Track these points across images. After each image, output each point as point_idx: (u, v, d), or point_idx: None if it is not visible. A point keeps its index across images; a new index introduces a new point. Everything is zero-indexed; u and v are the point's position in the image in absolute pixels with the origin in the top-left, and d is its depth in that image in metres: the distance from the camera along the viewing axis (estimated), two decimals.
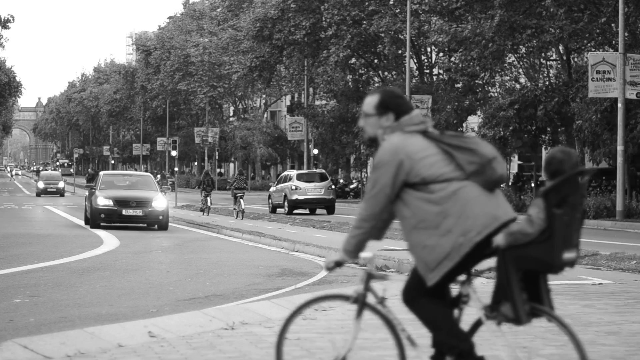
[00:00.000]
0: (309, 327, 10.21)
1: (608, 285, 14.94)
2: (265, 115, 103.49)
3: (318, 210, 48.54)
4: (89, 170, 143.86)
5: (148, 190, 34.49)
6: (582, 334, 10.02)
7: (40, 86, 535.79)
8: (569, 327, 6.03)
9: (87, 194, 36.20)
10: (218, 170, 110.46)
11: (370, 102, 6.21)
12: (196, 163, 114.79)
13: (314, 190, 47.32)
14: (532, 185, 54.70)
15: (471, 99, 53.81)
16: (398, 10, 58.03)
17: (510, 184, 60.00)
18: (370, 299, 6.27)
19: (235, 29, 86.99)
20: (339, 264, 6.27)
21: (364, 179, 68.78)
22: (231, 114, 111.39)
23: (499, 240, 5.98)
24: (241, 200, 42.48)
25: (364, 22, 59.26)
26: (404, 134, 6.12)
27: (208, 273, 17.25)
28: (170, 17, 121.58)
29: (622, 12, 38.46)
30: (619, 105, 38.92)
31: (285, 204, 47.46)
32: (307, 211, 47.74)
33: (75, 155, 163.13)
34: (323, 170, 54.67)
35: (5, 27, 72.83)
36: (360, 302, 6.31)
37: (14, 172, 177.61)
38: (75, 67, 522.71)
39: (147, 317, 10.78)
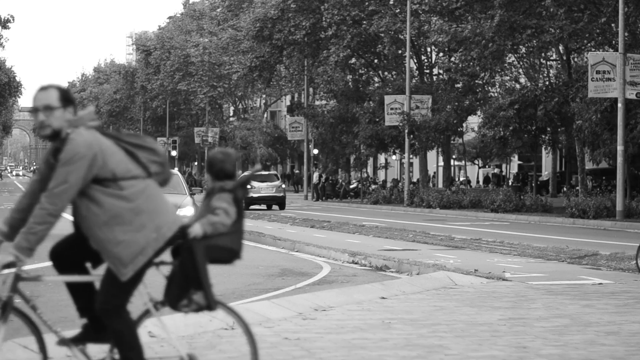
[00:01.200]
0: (309, 327, 10.21)
1: (608, 285, 14.93)
2: (265, 115, 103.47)
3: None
4: None
5: (174, 193, 24.63)
6: (582, 334, 10.03)
7: None
8: (239, 314, 6.52)
9: None
10: None
11: (51, 95, 6.09)
12: (196, 163, 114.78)
13: (267, 189, 52.23)
14: (533, 185, 54.63)
15: (471, 99, 53.77)
16: (398, 10, 58.01)
17: (510, 184, 59.98)
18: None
19: (235, 29, 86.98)
20: (11, 265, 6.05)
21: (365, 179, 68.77)
22: (231, 114, 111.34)
23: (197, 230, 6.17)
24: None
25: (364, 22, 59.22)
26: (88, 129, 6.09)
27: None
28: (170, 17, 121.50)
29: (622, 12, 38.43)
30: (619, 105, 38.88)
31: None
32: (264, 207, 51.82)
33: None
34: (275, 172, 63.35)
35: (5, 27, 72.76)
36: (9, 306, 6.14)
37: (14, 173, 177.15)
38: (75, 67, 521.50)
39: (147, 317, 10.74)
